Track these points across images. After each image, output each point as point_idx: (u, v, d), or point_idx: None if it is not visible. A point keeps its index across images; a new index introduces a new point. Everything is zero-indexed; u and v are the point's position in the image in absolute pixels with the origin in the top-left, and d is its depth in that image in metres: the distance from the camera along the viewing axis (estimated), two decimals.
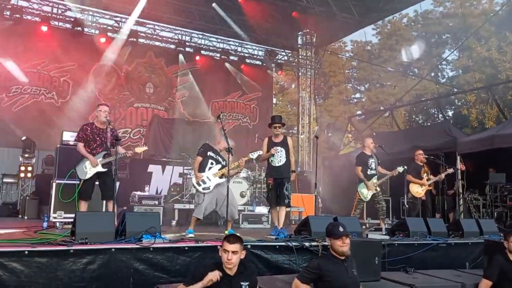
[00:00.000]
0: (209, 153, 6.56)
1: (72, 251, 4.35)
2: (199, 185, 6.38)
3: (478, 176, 10.49)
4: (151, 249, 4.73)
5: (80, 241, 4.51)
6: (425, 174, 8.98)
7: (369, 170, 8.26)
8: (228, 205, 6.09)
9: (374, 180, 8.24)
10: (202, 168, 6.46)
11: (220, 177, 6.42)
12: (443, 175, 8.97)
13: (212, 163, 6.51)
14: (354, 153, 13.35)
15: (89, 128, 6.38)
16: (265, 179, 7.37)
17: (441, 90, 23.99)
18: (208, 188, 6.36)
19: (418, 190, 8.82)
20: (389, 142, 11.46)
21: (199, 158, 6.54)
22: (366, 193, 8.21)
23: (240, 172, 8.91)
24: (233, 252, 3.68)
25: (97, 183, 6.40)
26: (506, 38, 22.83)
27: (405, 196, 8.36)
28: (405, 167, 8.28)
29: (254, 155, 6.68)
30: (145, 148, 7.18)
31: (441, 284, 5.01)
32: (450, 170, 8.99)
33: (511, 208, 9.51)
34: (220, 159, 6.57)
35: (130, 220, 5.04)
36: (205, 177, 6.40)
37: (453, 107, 26.34)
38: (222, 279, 3.65)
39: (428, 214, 8.77)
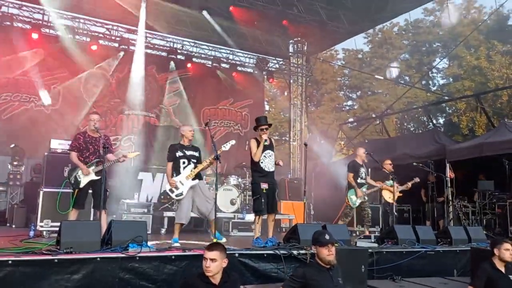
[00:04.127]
0: (178, 154, 6.42)
1: (56, 260, 4.32)
2: (172, 192, 6.33)
3: (468, 184, 10.57)
4: (137, 258, 4.70)
5: (65, 251, 4.47)
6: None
7: (359, 178, 8.57)
8: (206, 203, 6.19)
9: (364, 189, 8.57)
10: (176, 170, 6.39)
11: (194, 179, 6.33)
12: (410, 184, 9.25)
13: (184, 162, 6.38)
14: (345, 160, 13.46)
15: (81, 137, 6.38)
16: (252, 185, 6.71)
17: (432, 98, 24.19)
18: (181, 194, 6.29)
19: (390, 196, 9.07)
20: (380, 150, 11.54)
21: (169, 164, 6.45)
22: (355, 199, 8.51)
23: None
24: (211, 259, 3.62)
25: (90, 191, 6.37)
26: (495, 47, 23.09)
27: (391, 204, 8.51)
28: (394, 181, 8.63)
29: (227, 147, 6.47)
30: (138, 153, 7.12)
31: None
32: (417, 180, 9.24)
33: (500, 215, 9.57)
34: (191, 152, 6.46)
35: (116, 229, 5.01)
36: (178, 182, 6.30)
37: (444, 115, 26.55)
38: None
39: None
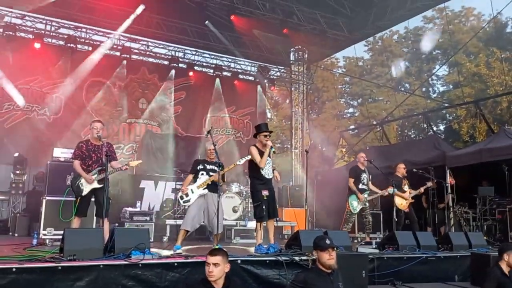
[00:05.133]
0: (199, 167, 6.66)
1: (60, 268, 4.35)
2: (182, 198, 6.61)
3: (469, 190, 10.58)
4: (140, 265, 4.73)
5: (68, 258, 4.51)
6: (406, 187, 9.15)
7: (360, 184, 8.51)
8: (218, 218, 6.16)
9: (365, 195, 8.49)
10: (194, 181, 6.64)
11: (204, 188, 6.50)
12: (422, 189, 9.18)
13: (202, 174, 6.60)
14: (347, 167, 13.49)
15: (84, 146, 6.41)
16: (252, 193, 6.76)
17: (432, 104, 24.26)
18: (188, 201, 6.52)
19: (402, 202, 8.98)
20: (381, 156, 11.56)
21: (189, 176, 6.71)
22: (356, 205, 8.44)
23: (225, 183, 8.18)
24: (214, 264, 3.67)
25: (92, 199, 6.41)
26: (494, 54, 23.19)
27: (393, 209, 8.50)
28: (395, 189, 8.55)
29: (241, 161, 6.59)
30: (140, 161, 7.16)
31: None
32: (429, 184, 9.18)
33: (500, 221, 9.58)
34: (212, 167, 6.64)
35: (119, 236, 5.06)
36: (189, 190, 6.54)
37: (445, 122, 26.61)
38: None
39: (416, 226, 8.94)
